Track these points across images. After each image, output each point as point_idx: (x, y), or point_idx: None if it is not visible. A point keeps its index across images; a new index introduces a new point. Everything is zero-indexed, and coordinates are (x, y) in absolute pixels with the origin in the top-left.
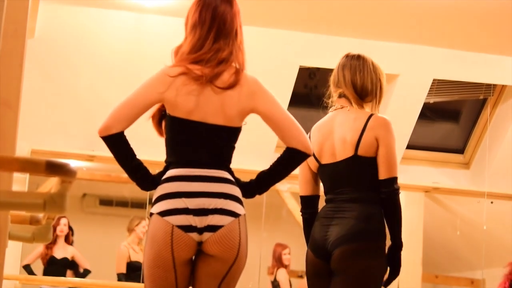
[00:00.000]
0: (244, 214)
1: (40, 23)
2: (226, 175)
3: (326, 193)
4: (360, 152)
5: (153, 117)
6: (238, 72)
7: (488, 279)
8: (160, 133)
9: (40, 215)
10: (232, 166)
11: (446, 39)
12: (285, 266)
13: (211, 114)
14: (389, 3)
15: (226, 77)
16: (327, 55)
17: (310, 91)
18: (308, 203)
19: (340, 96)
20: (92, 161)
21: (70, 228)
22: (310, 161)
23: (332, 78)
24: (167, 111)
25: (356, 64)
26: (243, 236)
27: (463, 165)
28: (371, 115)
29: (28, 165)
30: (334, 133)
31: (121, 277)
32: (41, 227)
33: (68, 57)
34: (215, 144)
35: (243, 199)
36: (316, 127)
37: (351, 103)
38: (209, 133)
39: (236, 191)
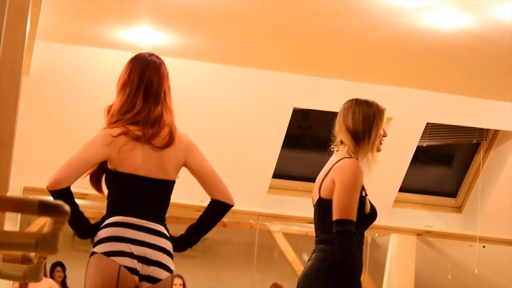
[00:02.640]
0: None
1: (35, 60)
2: (164, 230)
3: None
4: (322, 194)
5: (92, 175)
6: (172, 132)
7: None
8: (99, 190)
9: (32, 254)
10: None
11: (439, 83)
12: None
13: (153, 170)
14: (382, 48)
15: (162, 137)
16: (321, 97)
17: (303, 133)
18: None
19: (340, 142)
20: (85, 199)
21: (61, 265)
22: None
23: (334, 125)
24: (112, 167)
25: (346, 107)
26: None
27: (455, 208)
28: (342, 158)
29: (20, 206)
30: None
31: None
32: (32, 266)
33: (62, 95)
34: (156, 197)
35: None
36: None
37: (349, 148)
38: (152, 187)
39: (171, 247)
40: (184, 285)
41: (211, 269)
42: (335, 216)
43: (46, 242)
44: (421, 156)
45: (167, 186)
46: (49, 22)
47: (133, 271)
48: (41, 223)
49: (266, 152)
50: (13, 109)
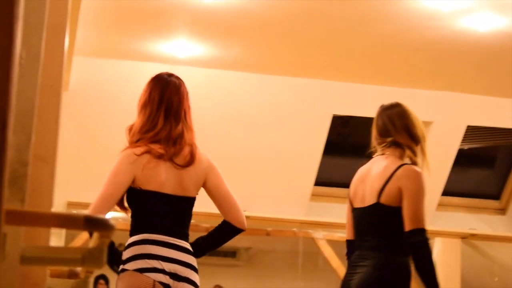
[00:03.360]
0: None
1: (73, 76)
2: (189, 246)
3: (355, 237)
4: (383, 200)
5: None
6: (193, 152)
7: None
8: (122, 208)
9: (79, 269)
10: (267, 215)
11: (479, 85)
12: None
13: (176, 187)
14: (420, 52)
15: (183, 155)
16: (360, 104)
17: (343, 140)
18: (349, 247)
19: (390, 145)
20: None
21: (104, 278)
22: (348, 203)
23: (378, 129)
24: (137, 186)
25: (401, 111)
26: None
27: (499, 210)
28: (402, 165)
29: (67, 221)
30: (367, 178)
31: None
32: (79, 281)
33: (102, 109)
34: (179, 214)
35: None
36: (358, 171)
37: (400, 153)
38: (175, 204)
39: (196, 263)
40: None
41: (256, 279)
42: (412, 225)
43: (93, 257)
44: (463, 159)
45: (189, 203)
46: (86, 37)
47: (167, 286)
48: (86, 237)
49: (307, 160)
50: (55, 126)
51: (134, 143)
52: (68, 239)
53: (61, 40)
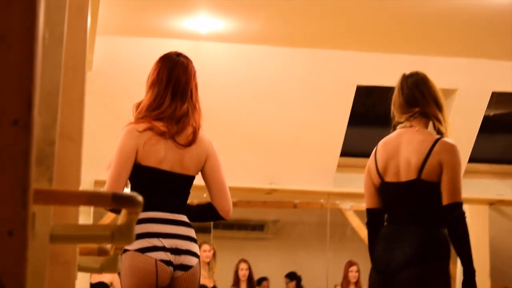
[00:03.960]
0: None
1: (97, 55)
2: (186, 219)
3: (387, 211)
4: (424, 176)
5: None
6: (195, 132)
7: None
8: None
9: (108, 246)
10: (294, 187)
11: (503, 51)
12: (352, 284)
13: (175, 165)
14: (443, 19)
15: (186, 135)
16: (384, 73)
17: (368, 110)
18: (374, 215)
19: (414, 115)
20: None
21: None
22: (374, 176)
23: (405, 98)
24: (138, 161)
25: (425, 79)
26: (200, 275)
27: None
28: (438, 139)
29: (94, 199)
30: (400, 152)
31: None
32: (109, 258)
33: (126, 87)
34: (179, 191)
35: None
36: (383, 142)
37: (425, 123)
38: (174, 181)
39: (194, 234)
40: (250, 269)
41: (284, 251)
42: (451, 199)
43: (122, 233)
44: (489, 126)
45: (188, 181)
46: (108, 16)
47: (168, 263)
48: (114, 215)
49: (333, 131)
50: (80, 105)
51: (138, 119)
52: (96, 217)
53: (83, 20)
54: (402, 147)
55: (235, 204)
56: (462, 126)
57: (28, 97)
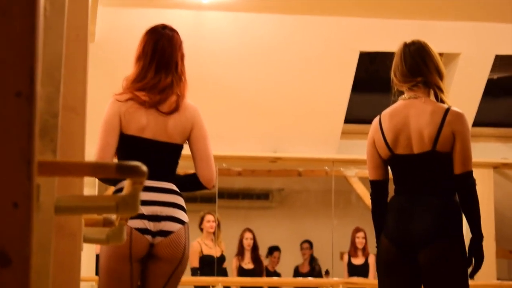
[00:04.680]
0: (188, 222)
1: (99, 27)
2: (173, 186)
3: (398, 183)
4: (438, 147)
5: None
6: (178, 100)
7: None
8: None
9: (113, 217)
10: (299, 155)
11: (507, 14)
12: (360, 250)
13: (158, 133)
14: None
15: (169, 103)
16: (387, 39)
17: (371, 76)
18: (379, 187)
19: (417, 84)
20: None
21: None
22: (381, 148)
23: (408, 67)
24: (122, 131)
25: (427, 48)
26: (187, 242)
27: None
28: (448, 109)
29: (98, 170)
30: (409, 124)
31: (194, 271)
32: (114, 229)
33: (129, 59)
34: (162, 158)
35: None
36: (388, 114)
37: (427, 92)
38: (157, 149)
39: (181, 201)
40: (254, 238)
41: (289, 219)
42: (464, 168)
43: (126, 204)
44: (493, 89)
45: (173, 149)
46: None
47: (145, 231)
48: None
49: (336, 98)
50: (83, 76)
51: (122, 91)
52: (101, 189)
53: None
54: (411, 119)
55: (239, 173)
56: (466, 90)
57: (30, 69)
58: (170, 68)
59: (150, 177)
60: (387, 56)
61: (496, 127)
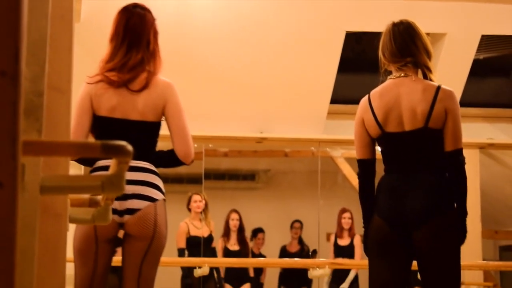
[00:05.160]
0: (163, 200)
1: (85, 6)
2: (146, 165)
3: (389, 162)
4: (431, 124)
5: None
6: (149, 77)
7: None
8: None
9: (99, 197)
10: (285, 135)
11: None
12: (346, 230)
13: (129, 112)
14: None
15: (139, 81)
16: (373, 19)
17: (358, 56)
18: (368, 166)
19: (406, 64)
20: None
21: None
22: (371, 127)
23: (398, 46)
24: (94, 113)
25: (416, 29)
26: (160, 218)
27: None
28: (439, 87)
29: (83, 149)
30: (401, 102)
31: (181, 252)
32: (100, 209)
33: None
34: (134, 137)
35: None
36: (378, 93)
37: (416, 71)
38: (129, 128)
39: (154, 178)
40: (240, 219)
41: (275, 200)
42: (455, 145)
43: (112, 183)
44: (479, 69)
45: (146, 127)
46: None
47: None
48: None
49: (322, 78)
50: (68, 56)
51: (94, 74)
52: (87, 169)
53: None
54: (402, 96)
55: (225, 154)
56: (452, 70)
57: (15, 48)
58: (141, 45)
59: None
60: (373, 36)
61: (482, 108)
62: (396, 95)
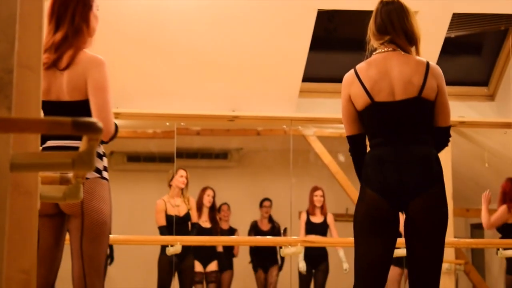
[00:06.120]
0: (98, 177)
1: None
2: (75, 143)
3: (376, 135)
4: (424, 94)
5: None
6: (75, 54)
7: None
8: None
9: (70, 174)
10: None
11: None
12: (318, 208)
13: (61, 92)
14: None
15: (65, 59)
16: None
17: (330, 35)
18: (358, 141)
19: (388, 42)
20: (118, 118)
21: None
22: (359, 98)
23: (376, 26)
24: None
25: (399, 9)
26: (87, 195)
27: (488, 97)
28: (428, 62)
29: (54, 126)
30: (392, 71)
31: (162, 230)
32: (71, 187)
33: None
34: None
35: None
36: (365, 64)
37: (399, 49)
38: (60, 109)
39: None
40: (214, 197)
41: (248, 178)
42: (444, 123)
43: (82, 160)
44: (450, 48)
45: (77, 106)
46: None
47: None
48: None
49: (294, 56)
50: (38, 33)
51: None
52: None
53: None
54: (394, 67)
55: (198, 133)
56: (423, 48)
57: None
58: (66, 21)
59: (55, 138)
60: (345, 14)
61: (453, 86)
62: (387, 65)
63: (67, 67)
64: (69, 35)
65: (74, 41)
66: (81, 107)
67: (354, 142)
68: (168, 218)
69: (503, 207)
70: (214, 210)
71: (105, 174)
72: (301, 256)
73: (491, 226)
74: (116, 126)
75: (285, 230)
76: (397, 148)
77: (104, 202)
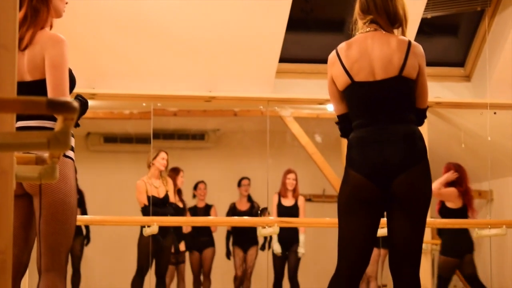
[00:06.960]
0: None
1: None
2: (41, 123)
3: (357, 115)
4: (405, 73)
5: None
6: (34, 33)
7: (495, 190)
8: None
9: (46, 155)
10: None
11: None
12: (290, 191)
13: (24, 73)
14: None
15: (26, 39)
16: None
17: (306, 15)
18: (348, 120)
19: (371, 22)
20: (94, 99)
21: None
22: (340, 77)
23: (360, 5)
24: None
25: None
26: None
27: (464, 78)
28: (409, 41)
29: (29, 105)
30: (372, 51)
31: (144, 210)
32: (47, 167)
33: None
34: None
35: None
36: (346, 45)
37: (381, 29)
38: (23, 90)
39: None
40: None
41: (225, 159)
42: (423, 104)
43: (58, 140)
44: (426, 28)
45: (38, 86)
46: None
47: None
48: None
49: (271, 37)
50: (13, 12)
51: None
52: None
53: None
54: (374, 47)
55: (174, 114)
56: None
57: None
58: (25, 2)
59: (22, 119)
60: None
61: (429, 66)
62: (368, 45)
63: (26, 47)
64: (28, 15)
65: (33, 21)
66: (43, 86)
67: (344, 121)
68: (152, 198)
69: (454, 190)
70: (181, 192)
71: (69, 153)
72: (275, 238)
73: (437, 195)
74: (86, 105)
75: (264, 209)
76: (379, 127)
77: (64, 182)
